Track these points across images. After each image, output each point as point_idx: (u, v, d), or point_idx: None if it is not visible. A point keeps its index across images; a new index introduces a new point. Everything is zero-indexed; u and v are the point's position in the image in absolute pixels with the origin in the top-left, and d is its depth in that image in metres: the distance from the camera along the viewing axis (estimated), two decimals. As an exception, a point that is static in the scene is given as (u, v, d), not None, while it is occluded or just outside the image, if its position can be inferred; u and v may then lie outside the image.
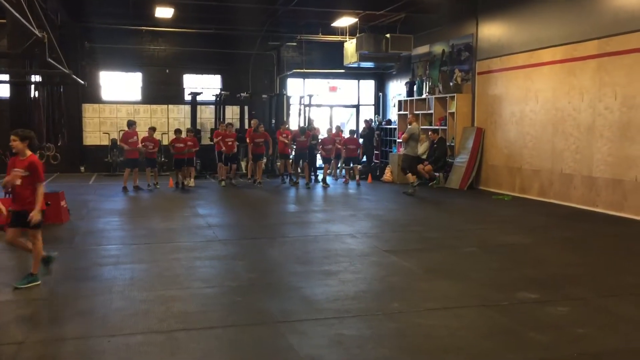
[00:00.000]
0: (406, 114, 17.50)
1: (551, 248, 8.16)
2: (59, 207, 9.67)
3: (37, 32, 6.52)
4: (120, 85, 18.96)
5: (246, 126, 17.87)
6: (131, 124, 14.52)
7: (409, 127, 14.43)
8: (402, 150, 14.70)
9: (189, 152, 14.76)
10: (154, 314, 5.22)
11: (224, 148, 15.05)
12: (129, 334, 4.73)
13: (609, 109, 10.86)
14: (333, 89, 20.88)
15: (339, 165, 17.35)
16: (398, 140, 17.91)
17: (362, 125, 19.90)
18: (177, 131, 15.07)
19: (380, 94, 20.97)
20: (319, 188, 15.19)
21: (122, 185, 14.04)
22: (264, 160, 16.28)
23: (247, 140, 15.94)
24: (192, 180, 15.03)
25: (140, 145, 14.26)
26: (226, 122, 16.37)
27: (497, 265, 7.16)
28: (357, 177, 16.12)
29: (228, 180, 15.06)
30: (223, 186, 14.87)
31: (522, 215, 11.01)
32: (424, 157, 15.78)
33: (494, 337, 4.77)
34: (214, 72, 19.57)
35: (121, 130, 18.09)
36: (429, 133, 15.88)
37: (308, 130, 15.91)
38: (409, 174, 13.84)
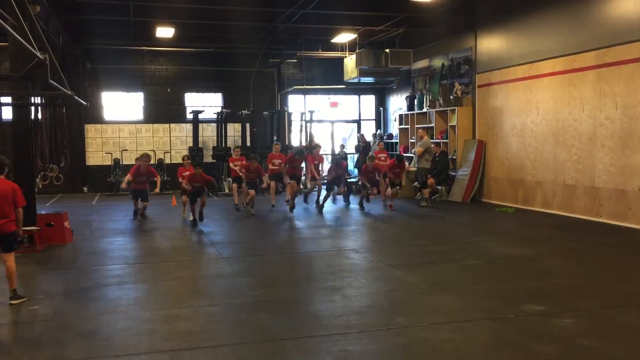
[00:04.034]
0: (407, 128, 17.59)
1: (556, 259, 8.12)
2: (62, 227, 9.69)
3: (39, 54, 6.55)
4: (122, 105, 19.05)
5: (247, 143, 17.89)
6: (146, 159, 12.70)
7: (421, 141, 14.47)
8: (415, 164, 14.68)
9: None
10: (158, 333, 5.21)
11: (242, 174, 13.49)
12: (134, 354, 4.72)
13: (609, 119, 10.87)
14: (334, 104, 20.96)
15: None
16: (401, 154, 17.90)
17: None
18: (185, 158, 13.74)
19: (381, 108, 21.04)
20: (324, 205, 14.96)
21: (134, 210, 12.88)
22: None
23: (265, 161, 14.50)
24: None
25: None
26: (238, 149, 14.93)
27: (501, 278, 7.13)
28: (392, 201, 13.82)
29: (241, 205, 13.54)
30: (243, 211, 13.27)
31: (526, 227, 10.98)
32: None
33: (500, 350, 4.75)
34: (215, 90, 19.68)
35: (124, 150, 18.22)
36: (432, 146, 15.88)
37: (344, 161, 15.21)
38: (425, 189, 14.12)
